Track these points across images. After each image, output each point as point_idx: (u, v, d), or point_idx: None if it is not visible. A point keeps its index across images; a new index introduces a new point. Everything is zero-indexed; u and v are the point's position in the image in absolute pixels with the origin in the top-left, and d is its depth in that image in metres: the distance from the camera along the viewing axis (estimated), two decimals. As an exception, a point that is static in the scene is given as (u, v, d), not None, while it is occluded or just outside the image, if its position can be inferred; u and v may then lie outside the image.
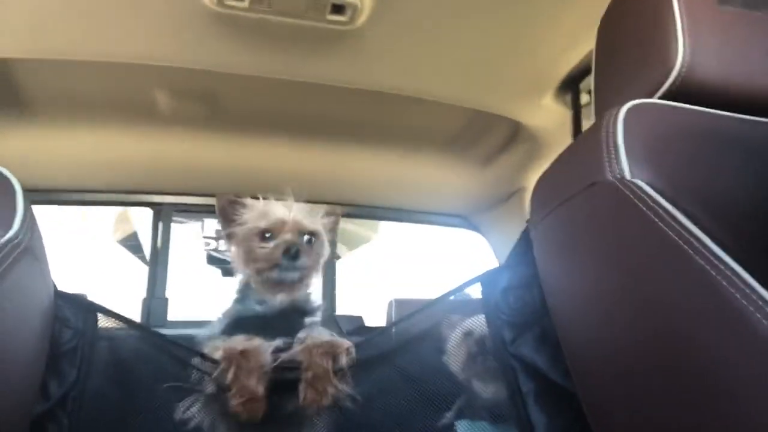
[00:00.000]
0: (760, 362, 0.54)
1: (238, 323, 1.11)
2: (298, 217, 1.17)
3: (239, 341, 1.03)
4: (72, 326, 0.99)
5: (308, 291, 1.20)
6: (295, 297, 1.15)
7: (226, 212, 1.20)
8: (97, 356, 1.00)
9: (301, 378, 0.98)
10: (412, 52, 1.53)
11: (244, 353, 0.96)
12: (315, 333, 1.08)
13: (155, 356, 1.03)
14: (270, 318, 1.12)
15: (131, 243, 5.08)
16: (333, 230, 1.29)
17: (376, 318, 2.49)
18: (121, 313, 1.07)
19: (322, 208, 1.26)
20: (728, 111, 0.81)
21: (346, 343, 1.03)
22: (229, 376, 0.94)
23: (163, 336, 1.05)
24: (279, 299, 1.14)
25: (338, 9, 1.35)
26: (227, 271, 1.30)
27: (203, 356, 0.99)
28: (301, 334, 1.08)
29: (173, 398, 0.99)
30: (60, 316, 0.98)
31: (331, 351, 1.00)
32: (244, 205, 1.20)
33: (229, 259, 1.27)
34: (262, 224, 1.15)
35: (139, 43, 1.49)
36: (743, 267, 0.58)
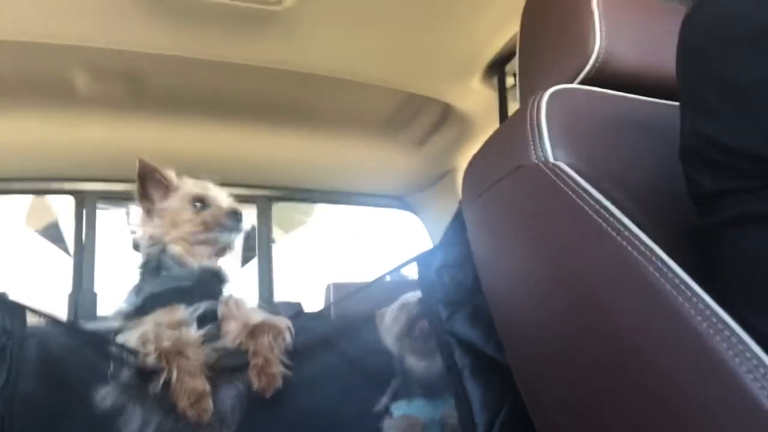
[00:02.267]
0: (665, 324, 0.59)
1: (155, 298, 1.08)
2: (225, 195, 1.23)
3: (163, 317, 1.02)
4: None
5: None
6: (212, 263, 1.17)
7: (146, 178, 1.20)
8: (27, 356, 0.96)
9: (249, 364, 0.98)
10: (340, 34, 1.53)
11: (180, 353, 0.94)
12: (236, 298, 1.10)
13: (87, 353, 1.00)
14: (189, 287, 1.10)
15: (52, 233, 4.82)
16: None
17: (314, 303, 2.49)
18: (49, 311, 1.03)
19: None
20: (645, 95, 0.86)
21: (284, 321, 1.05)
22: (173, 378, 0.92)
23: (93, 332, 1.01)
24: (200, 264, 1.14)
25: (265, -10, 1.33)
26: (137, 246, 1.28)
27: (137, 353, 0.96)
28: (223, 298, 1.09)
29: (107, 396, 0.97)
30: None
31: (273, 333, 1.00)
32: (163, 176, 1.21)
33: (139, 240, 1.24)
34: (196, 191, 1.18)
35: (57, 21, 1.41)
36: (652, 239, 0.63)
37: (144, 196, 1.20)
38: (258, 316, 1.06)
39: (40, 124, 1.87)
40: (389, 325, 1.05)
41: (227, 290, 1.15)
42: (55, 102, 1.79)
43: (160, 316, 1.02)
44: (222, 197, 1.21)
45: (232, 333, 1.03)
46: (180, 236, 1.14)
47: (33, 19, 1.39)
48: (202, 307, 1.04)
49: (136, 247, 1.24)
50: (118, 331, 1.04)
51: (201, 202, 1.17)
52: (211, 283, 1.13)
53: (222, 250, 1.18)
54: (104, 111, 1.86)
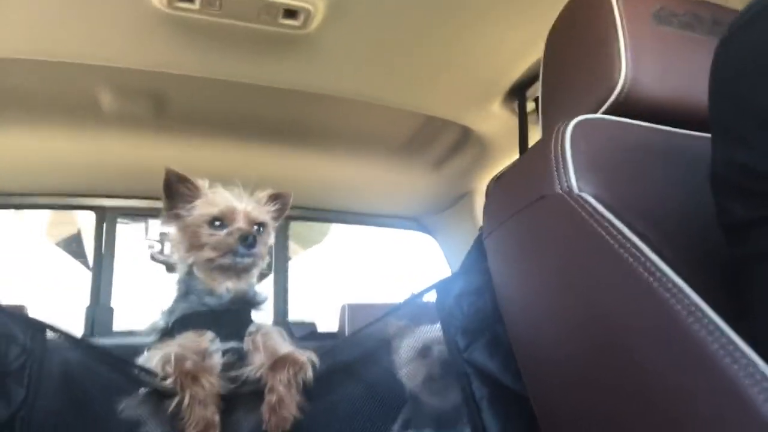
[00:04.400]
0: (692, 365, 0.58)
1: (184, 321, 1.08)
2: (248, 208, 1.16)
3: (189, 343, 1.01)
4: (19, 344, 0.95)
5: (252, 282, 1.19)
6: (243, 286, 1.14)
7: (172, 189, 1.15)
8: (46, 375, 0.96)
9: (263, 399, 0.96)
10: (364, 58, 1.54)
11: (196, 379, 0.94)
12: (264, 330, 1.08)
13: (106, 372, 0.99)
14: (218, 312, 1.09)
15: (72, 246, 4.89)
16: (282, 215, 1.28)
17: (328, 323, 2.48)
18: (67, 327, 1.04)
19: (266, 193, 1.25)
20: (669, 125, 0.86)
21: (306, 355, 1.02)
22: (184, 404, 0.92)
23: (113, 352, 1.01)
24: (226, 287, 1.12)
25: (291, 14, 1.35)
26: (171, 267, 1.27)
27: (150, 373, 0.96)
28: (251, 327, 1.07)
29: (124, 410, 0.96)
30: (6, 333, 0.94)
31: (295, 368, 0.99)
32: (193, 185, 1.16)
33: (173, 260, 1.24)
34: (214, 211, 1.12)
35: (86, 42, 1.44)
36: (681, 277, 0.62)
37: (171, 208, 1.15)
38: (284, 348, 1.05)
39: (65, 141, 1.90)
40: (404, 363, 1.03)
41: (259, 316, 1.14)
42: (80, 119, 1.82)
43: (185, 340, 1.02)
44: (243, 213, 1.14)
45: (255, 364, 1.02)
46: (199, 260, 1.12)
47: (61, 40, 1.42)
48: (229, 343, 1.03)
49: (154, 259, 1.23)
50: (141, 350, 1.04)
51: (219, 221, 1.12)
52: (240, 310, 1.11)
53: (243, 272, 1.14)
54: (128, 129, 1.89)
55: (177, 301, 1.14)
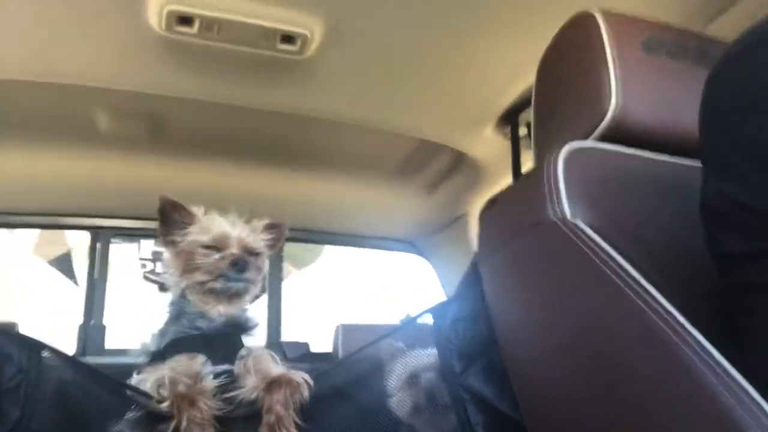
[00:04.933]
0: (683, 391, 0.59)
1: (175, 344, 1.08)
2: (242, 235, 1.16)
3: (182, 367, 1.01)
4: (15, 363, 0.95)
5: (246, 307, 1.19)
6: (235, 311, 1.15)
7: (167, 215, 1.16)
8: (42, 395, 0.95)
9: (261, 420, 0.96)
10: (360, 83, 1.57)
11: (192, 403, 0.94)
12: (256, 353, 1.08)
13: (101, 393, 0.99)
14: (210, 336, 1.10)
15: (62, 264, 4.85)
16: (277, 244, 1.29)
17: (321, 343, 2.47)
18: (60, 347, 1.04)
19: (261, 222, 1.25)
20: (659, 152, 0.88)
21: (301, 375, 1.03)
22: (181, 427, 0.92)
23: (108, 376, 1.01)
24: (218, 312, 1.12)
25: (288, 39, 1.37)
26: (164, 287, 1.27)
27: (150, 397, 0.96)
28: (242, 351, 1.07)
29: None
30: (2, 352, 0.94)
31: (291, 389, 0.99)
32: (188, 212, 1.17)
33: (166, 281, 1.24)
34: (206, 239, 1.13)
35: (84, 63, 1.46)
36: (672, 304, 0.63)
37: (165, 234, 1.16)
38: (276, 370, 1.05)
39: (62, 161, 1.91)
40: (396, 389, 1.03)
41: (250, 339, 1.14)
42: (78, 140, 1.84)
43: (177, 364, 1.01)
44: (236, 239, 1.15)
45: (248, 386, 1.02)
46: (192, 284, 1.13)
47: (59, 61, 1.44)
48: (221, 366, 1.03)
49: (147, 279, 1.23)
50: (133, 370, 1.04)
51: (212, 247, 1.13)
52: (232, 335, 1.12)
53: (234, 296, 1.14)
54: (124, 150, 1.90)
55: (168, 323, 1.14)
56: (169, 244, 1.16)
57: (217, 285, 1.11)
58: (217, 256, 1.11)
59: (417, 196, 2.29)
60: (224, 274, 1.10)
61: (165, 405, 0.93)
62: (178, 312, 1.13)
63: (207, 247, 1.12)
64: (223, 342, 1.10)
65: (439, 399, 1.00)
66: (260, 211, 2.23)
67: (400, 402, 1.02)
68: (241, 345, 1.11)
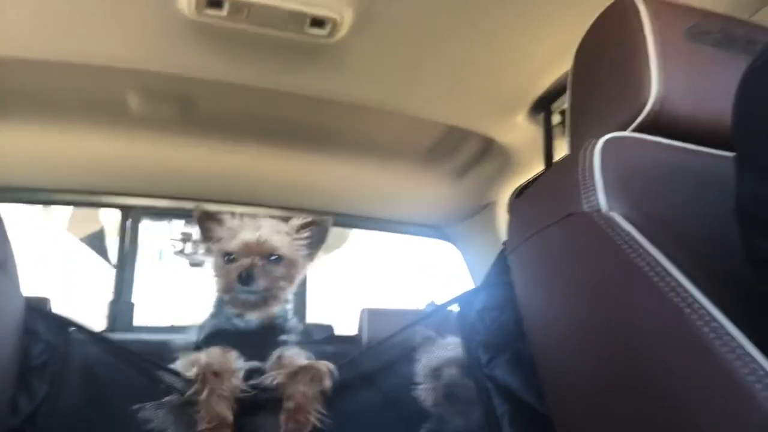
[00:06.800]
0: (718, 390, 0.57)
1: (215, 336, 1.11)
2: (264, 238, 1.15)
3: (216, 354, 1.03)
4: (43, 340, 0.97)
5: (285, 308, 1.19)
6: (267, 315, 1.15)
7: (203, 225, 1.21)
8: (69, 371, 0.98)
9: (282, 406, 0.97)
10: (390, 68, 1.55)
11: (218, 375, 0.96)
12: (289, 353, 1.09)
13: (128, 371, 1.01)
14: (246, 333, 1.12)
15: (95, 242, 4.96)
16: (319, 243, 1.27)
17: (345, 326, 2.49)
18: (90, 323, 1.06)
19: (299, 221, 1.23)
20: (699, 144, 0.84)
21: (326, 365, 1.03)
22: (202, 397, 0.94)
23: (137, 353, 1.03)
24: (249, 316, 1.14)
25: (318, 23, 1.36)
26: (194, 262, 1.31)
27: (177, 374, 0.99)
28: (276, 352, 1.08)
29: (149, 415, 0.98)
30: (30, 329, 0.96)
31: (314, 377, 1.00)
32: (219, 219, 1.20)
33: (194, 260, 1.29)
34: (228, 246, 1.15)
35: (115, 45, 1.46)
36: (710, 300, 0.61)
37: (206, 241, 1.21)
38: (303, 361, 1.06)
39: (94, 141, 1.94)
40: (422, 377, 1.03)
41: (286, 338, 1.14)
42: (109, 120, 1.86)
43: (213, 353, 1.04)
44: (256, 245, 1.14)
45: (270, 368, 1.04)
46: (219, 290, 1.16)
47: (91, 43, 1.45)
48: (251, 363, 1.05)
49: (178, 254, 1.26)
50: (160, 347, 1.07)
51: (231, 255, 1.14)
52: (266, 334, 1.13)
53: (251, 306, 1.14)
54: (155, 131, 1.92)
55: (209, 318, 1.18)
56: (208, 251, 1.21)
57: (228, 297, 1.13)
58: (231, 267, 1.12)
59: (445, 182, 2.27)
60: (233, 288, 1.12)
61: (192, 373, 0.95)
62: (218, 310, 1.16)
63: (228, 254, 1.14)
64: (257, 340, 1.12)
65: (465, 389, 0.99)
66: (286, 195, 2.25)
67: (425, 391, 1.02)
68: (276, 344, 1.12)
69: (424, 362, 1.04)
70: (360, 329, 2.38)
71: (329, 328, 2.48)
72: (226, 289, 1.13)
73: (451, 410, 1.00)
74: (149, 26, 1.39)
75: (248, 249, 1.14)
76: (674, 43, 0.85)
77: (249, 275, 1.10)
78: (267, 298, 1.14)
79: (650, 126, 0.83)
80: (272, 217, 1.27)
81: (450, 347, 1.02)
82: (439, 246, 2.73)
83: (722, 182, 0.77)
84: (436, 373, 1.04)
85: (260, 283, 1.11)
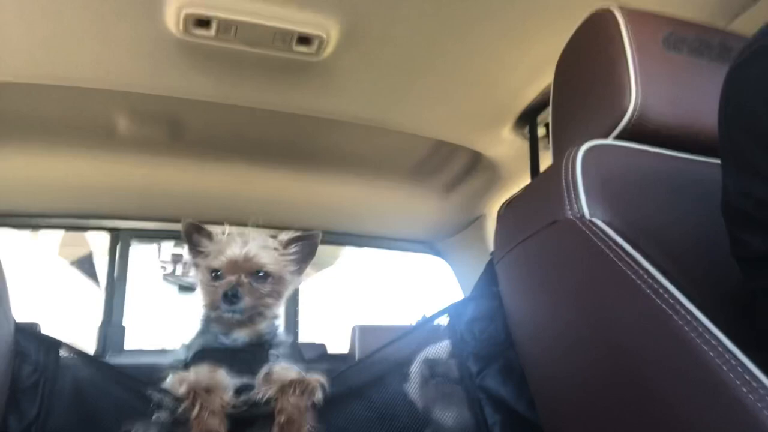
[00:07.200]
0: (705, 392, 0.58)
1: (202, 354, 1.10)
2: (251, 254, 1.13)
3: (204, 372, 1.02)
4: (32, 362, 0.96)
5: (274, 324, 1.18)
6: (255, 332, 1.14)
7: (191, 238, 1.18)
8: (59, 393, 0.97)
9: (274, 421, 0.96)
10: (376, 85, 1.56)
11: (208, 391, 0.95)
12: (278, 367, 1.08)
13: (118, 392, 1.00)
14: (234, 350, 1.10)
15: (84, 265, 4.93)
16: (308, 257, 1.26)
17: (338, 344, 2.48)
18: (79, 344, 1.05)
19: (287, 236, 1.23)
20: (679, 150, 0.86)
21: (317, 378, 1.02)
22: (193, 414, 0.93)
23: (126, 374, 1.02)
24: (235, 334, 1.13)
25: (305, 41, 1.37)
26: (183, 288, 1.29)
27: (166, 392, 0.98)
28: (264, 368, 1.07)
29: None
30: (20, 351, 0.95)
31: (305, 390, 0.99)
32: (208, 234, 1.18)
33: (184, 282, 1.27)
34: (213, 263, 1.13)
35: (103, 67, 1.47)
36: (692, 302, 0.62)
37: (193, 256, 1.18)
38: (293, 375, 1.05)
39: (82, 163, 1.94)
40: (414, 388, 1.03)
41: (275, 355, 1.13)
42: (97, 143, 1.86)
43: (201, 370, 1.02)
44: (242, 261, 1.12)
45: (263, 388, 1.02)
46: (205, 306, 1.14)
47: (78, 65, 1.45)
48: (242, 379, 1.03)
49: (167, 280, 1.25)
50: (152, 370, 1.05)
51: (217, 272, 1.12)
52: (255, 350, 1.11)
53: (237, 324, 1.12)
54: (143, 153, 1.92)
55: (196, 336, 1.16)
56: (195, 265, 1.18)
57: (214, 314, 1.12)
58: (217, 284, 1.11)
59: (435, 197, 2.28)
60: (219, 306, 1.10)
61: (182, 391, 0.94)
62: (205, 326, 1.15)
63: (215, 271, 1.12)
64: (246, 357, 1.10)
65: (455, 399, 0.99)
66: (276, 214, 2.24)
67: (415, 402, 1.01)
68: (266, 360, 1.11)
69: (415, 372, 1.03)
70: (352, 346, 2.37)
71: (322, 347, 2.47)
72: (212, 307, 1.12)
73: (443, 418, 1.00)
74: (137, 47, 1.40)
75: (234, 266, 1.12)
76: (652, 51, 0.87)
77: (234, 294, 1.08)
78: (253, 316, 1.13)
79: (631, 133, 0.84)
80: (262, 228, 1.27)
81: (441, 356, 1.02)
82: (430, 261, 2.73)
83: (705, 188, 0.78)
84: (429, 380, 1.03)
85: (246, 302, 1.10)
